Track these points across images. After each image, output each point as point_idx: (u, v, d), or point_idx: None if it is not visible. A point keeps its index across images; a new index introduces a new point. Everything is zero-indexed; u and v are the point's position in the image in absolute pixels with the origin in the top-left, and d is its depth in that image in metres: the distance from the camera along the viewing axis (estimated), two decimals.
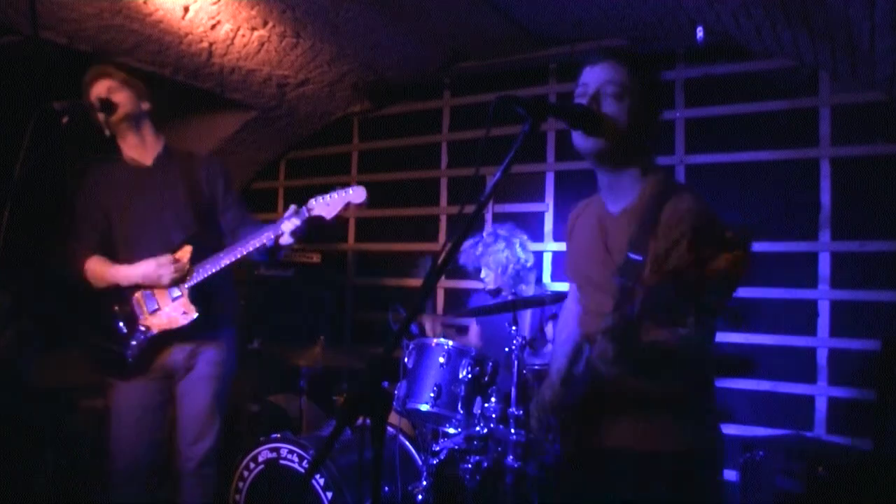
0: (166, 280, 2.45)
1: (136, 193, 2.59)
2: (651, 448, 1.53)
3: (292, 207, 2.44)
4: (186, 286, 2.50)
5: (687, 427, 1.56)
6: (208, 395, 2.56)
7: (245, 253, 2.45)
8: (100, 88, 2.52)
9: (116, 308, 2.53)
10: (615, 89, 1.53)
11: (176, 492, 2.58)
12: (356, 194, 2.43)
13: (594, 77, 1.56)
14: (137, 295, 2.52)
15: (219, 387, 2.58)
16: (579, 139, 1.54)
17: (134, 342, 2.49)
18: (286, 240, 2.42)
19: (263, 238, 2.42)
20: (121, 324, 2.51)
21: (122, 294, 2.52)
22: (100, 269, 2.54)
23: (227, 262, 2.46)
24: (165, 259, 2.46)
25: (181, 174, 2.61)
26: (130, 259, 2.52)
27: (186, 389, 2.56)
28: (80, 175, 2.68)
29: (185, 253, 2.52)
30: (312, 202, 2.44)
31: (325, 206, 2.43)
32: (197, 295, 2.50)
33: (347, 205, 2.43)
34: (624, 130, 1.53)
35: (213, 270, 2.48)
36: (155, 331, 2.50)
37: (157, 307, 2.51)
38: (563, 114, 1.50)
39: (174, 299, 2.51)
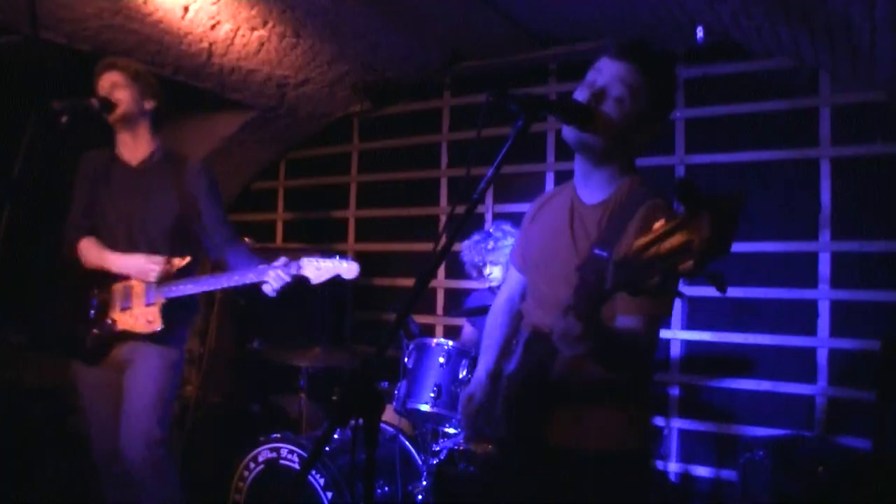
0: (153, 276, 2.48)
1: (115, 191, 2.60)
2: (595, 446, 1.51)
3: (283, 259, 2.45)
4: (164, 297, 2.50)
5: (632, 424, 1.56)
6: (152, 388, 2.52)
7: (227, 287, 2.49)
8: (106, 82, 2.54)
9: (95, 291, 2.55)
10: (621, 92, 1.49)
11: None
12: (349, 270, 2.45)
13: (606, 72, 1.52)
14: (118, 287, 2.54)
15: (163, 381, 2.55)
16: (569, 131, 1.52)
17: (97, 330, 2.53)
18: (268, 289, 2.44)
19: (246, 280, 2.46)
20: (92, 309, 2.55)
21: (105, 281, 2.54)
22: (93, 251, 2.57)
23: (209, 289, 2.50)
24: (159, 258, 2.49)
25: (164, 184, 2.60)
26: None
27: (131, 382, 2.54)
28: (79, 161, 2.70)
29: (180, 262, 2.54)
30: (304, 261, 2.45)
31: (316, 270, 2.44)
32: (168, 308, 2.52)
33: (337, 276, 2.43)
34: (618, 132, 1.50)
35: (193, 292, 2.50)
36: (119, 328, 2.52)
37: (129, 306, 2.53)
38: (556, 110, 1.48)
39: (147, 304, 2.51)
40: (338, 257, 2.46)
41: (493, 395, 1.69)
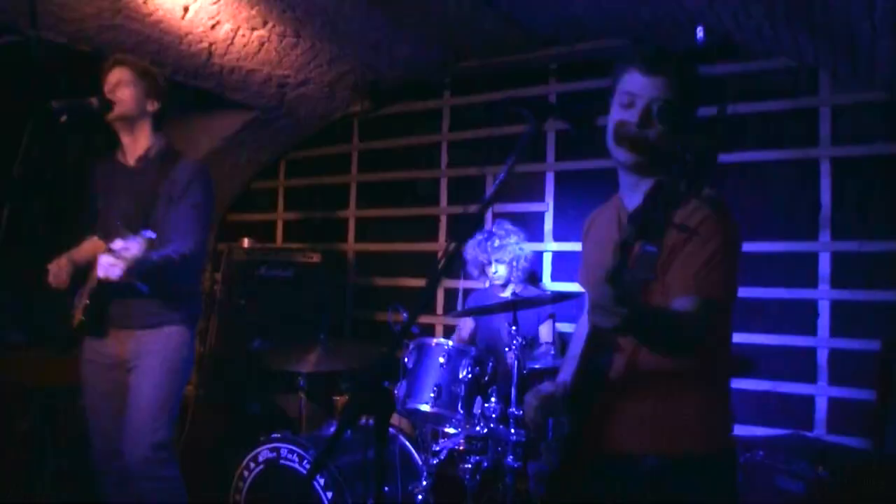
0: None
1: (116, 192, 2.61)
2: (663, 450, 1.48)
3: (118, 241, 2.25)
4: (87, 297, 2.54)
5: (702, 425, 1.52)
6: (156, 390, 2.51)
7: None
8: (112, 78, 2.55)
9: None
10: (665, 106, 1.50)
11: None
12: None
13: (642, 91, 1.52)
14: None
15: (167, 384, 2.54)
16: (621, 153, 1.55)
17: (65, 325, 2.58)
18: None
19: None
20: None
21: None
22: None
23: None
24: (63, 264, 2.50)
25: (155, 181, 2.57)
26: None
27: (135, 384, 2.53)
28: (87, 169, 2.74)
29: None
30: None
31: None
32: (93, 305, 2.52)
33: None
34: (667, 147, 1.52)
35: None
36: (74, 322, 2.55)
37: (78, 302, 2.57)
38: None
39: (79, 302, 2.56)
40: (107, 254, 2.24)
41: (562, 398, 1.67)
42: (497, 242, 3.45)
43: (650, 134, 1.51)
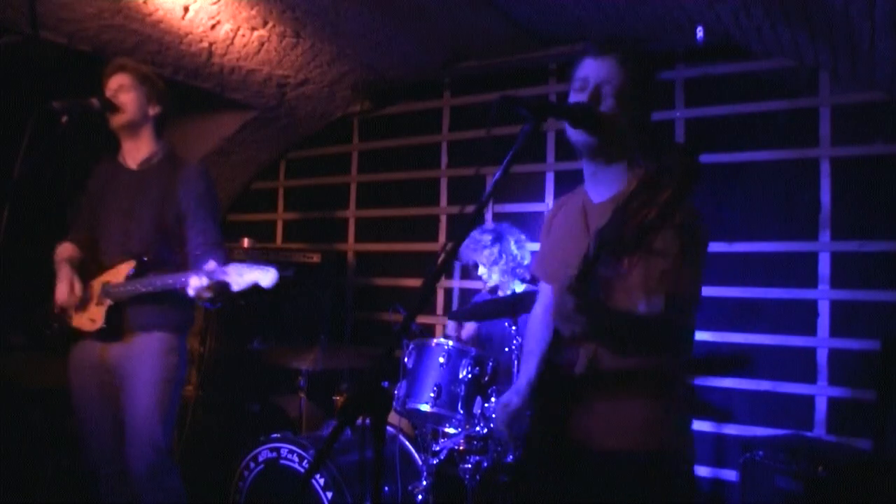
0: (60, 300, 2.49)
1: (114, 196, 2.61)
2: (625, 447, 1.50)
3: (213, 264, 2.31)
4: (110, 299, 2.48)
5: (663, 423, 1.54)
6: (154, 394, 2.49)
7: (155, 290, 2.41)
8: (113, 83, 2.55)
9: None
10: (614, 88, 1.54)
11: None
12: (266, 277, 2.31)
13: (594, 73, 1.56)
14: (94, 283, 2.54)
15: (165, 387, 2.52)
16: (577, 135, 1.55)
17: (56, 324, 2.58)
18: (190, 292, 2.32)
19: (168, 284, 2.38)
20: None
21: (82, 278, 2.55)
22: (56, 255, 2.59)
23: (142, 291, 2.44)
24: (76, 288, 2.48)
25: (160, 184, 2.58)
26: (96, 257, 2.58)
27: (131, 389, 2.52)
28: (89, 172, 2.73)
29: (116, 273, 2.50)
30: (231, 268, 2.31)
31: (238, 276, 2.30)
32: (115, 310, 2.49)
33: (256, 284, 2.32)
34: (621, 128, 1.55)
35: (130, 295, 2.46)
36: (72, 324, 2.55)
37: (85, 306, 2.53)
38: (565, 115, 1.51)
39: (97, 305, 2.51)
40: (263, 265, 2.33)
41: (529, 403, 1.69)
42: (473, 245, 3.43)
43: (600, 110, 1.53)
